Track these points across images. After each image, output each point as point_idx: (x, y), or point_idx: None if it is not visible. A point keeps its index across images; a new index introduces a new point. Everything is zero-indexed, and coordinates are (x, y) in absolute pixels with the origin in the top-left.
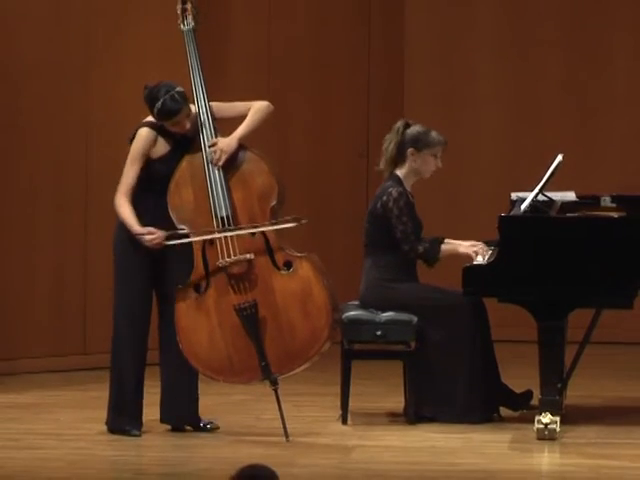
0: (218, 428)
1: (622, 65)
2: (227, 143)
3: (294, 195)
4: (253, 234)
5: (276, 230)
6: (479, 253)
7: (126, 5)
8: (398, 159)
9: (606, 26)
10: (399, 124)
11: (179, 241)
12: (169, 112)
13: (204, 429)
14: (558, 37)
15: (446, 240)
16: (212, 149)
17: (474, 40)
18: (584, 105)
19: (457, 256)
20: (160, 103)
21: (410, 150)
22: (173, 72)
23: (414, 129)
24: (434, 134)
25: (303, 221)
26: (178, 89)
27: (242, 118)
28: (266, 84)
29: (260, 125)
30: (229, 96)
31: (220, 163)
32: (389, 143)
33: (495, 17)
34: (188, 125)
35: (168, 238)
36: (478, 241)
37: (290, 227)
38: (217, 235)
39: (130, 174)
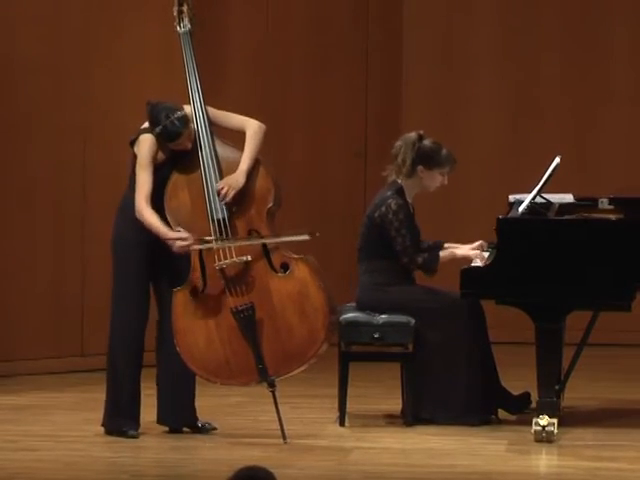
0: (215, 429)
1: (621, 68)
2: (235, 179)
3: (291, 196)
4: (250, 235)
5: (297, 240)
6: (477, 256)
7: (125, 7)
8: (409, 172)
9: (606, 28)
10: (414, 137)
11: (208, 245)
12: (169, 137)
13: (201, 430)
14: (557, 39)
15: (445, 245)
16: (219, 186)
17: (472, 42)
18: (582, 107)
19: (456, 260)
20: (160, 129)
21: (420, 168)
22: (171, 73)
23: (427, 145)
24: (445, 153)
25: (317, 234)
26: (178, 114)
27: (234, 131)
28: (264, 86)
29: (259, 150)
30: (227, 98)
31: (228, 199)
32: (404, 157)
33: (494, 19)
34: (190, 145)
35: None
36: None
37: (299, 240)
38: (244, 243)
39: (144, 180)
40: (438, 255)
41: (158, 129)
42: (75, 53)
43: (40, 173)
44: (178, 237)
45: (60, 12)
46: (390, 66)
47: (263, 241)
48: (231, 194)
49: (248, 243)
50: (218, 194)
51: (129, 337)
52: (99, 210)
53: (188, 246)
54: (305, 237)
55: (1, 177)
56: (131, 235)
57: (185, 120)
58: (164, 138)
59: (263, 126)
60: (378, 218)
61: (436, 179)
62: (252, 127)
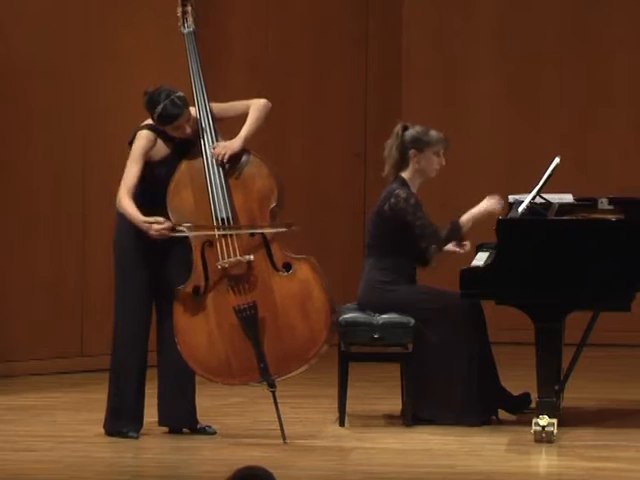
0: (215, 433)
1: (620, 67)
2: (232, 143)
3: (291, 197)
4: (252, 235)
5: (275, 232)
6: (497, 205)
7: (124, 8)
8: (401, 162)
9: (605, 27)
10: (398, 127)
11: (184, 233)
12: (169, 117)
13: (200, 433)
14: (556, 38)
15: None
16: (216, 150)
17: (472, 41)
18: (582, 107)
19: (482, 218)
20: (160, 108)
21: (412, 152)
22: (172, 74)
23: (413, 130)
24: (434, 132)
25: (294, 228)
26: (178, 94)
27: (242, 117)
28: (264, 87)
29: (261, 124)
30: (227, 98)
31: (225, 159)
32: (390, 148)
33: (493, 18)
34: (189, 130)
35: (173, 230)
36: (475, 244)
37: (284, 231)
38: (217, 232)
39: (131, 173)
40: (458, 223)
41: (159, 109)
42: (74, 54)
43: (40, 173)
44: (154, 220)
45: (59, 13)
46: (390, 66)
47: (257, 231)
48: (226, 157)
49: (243, 232)
50: (215, 158)
51: (132, 339)
52: (99, 210)
53: (164, 229)
54: (283, 229)
55: (1, 177)
56: (132, 237)
57: (185, 101)
58: (164, 119)
59: (269, 103)
60: (389, 211)
61: (432, 161)
62: (256, 102)
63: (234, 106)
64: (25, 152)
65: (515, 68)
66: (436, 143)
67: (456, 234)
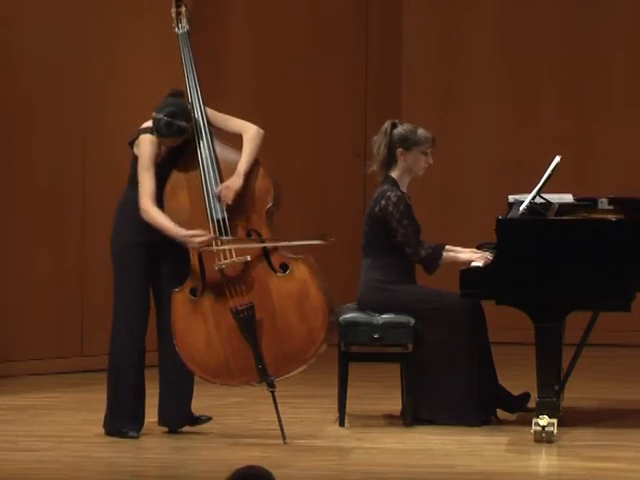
0: (211, 419)
1: (620, 67)
2: (233, 182)
3: (291, 197)
4: (249, 235)
5: (276, 238)
6: (481, 259)
7: (124, 8)
8: (389, 160)
9: (604, 26)
10: (387, 125)
11: (228, 247)
12: (157, 132)
13: (198, 421)
14: (556, 38)
15: (447, 247)
16: (220, 192)
17: (472, 41)
18: (582, 106)
19: (458, 263)
20: (156, 121)
21: (399, 150)
22: (172, 74)
23: (401, 129)
24: (421, 132)
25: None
26: (180, 123)
27: (231, 134)
28: (264, 87)
29: (257, 153)
30: (227, 97)
31: (229, 201)
32: (379, 145)
33: (493, 18)
34: (174, 145)
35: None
36: (476, 245)
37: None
38: (259, 244)
39: (147, 180)
40: (442, 254)
41: (154, 121)
42: (75, 54)
43: (40, 173)
44: (193, 234)
45: (60, 13)
46: (389, 66)
47: (265, 245)
48: (231, 197)
49: (251, 246)
50: (218, 198)
51: (130, 338)
52: (99, 210)
53: (205, 240)
54: (319, 242)
55: (1, 177)
56: (130, 235)
57: (181, 131)
58: (154, 129)
59: (261, 131)
60: (379, 212)
61: (419, 159)
62: (250, 131)
63: (228, 122)
64: (25, 152)
65: (515, 69)
66: (424, 142)
67: (433, 260)
